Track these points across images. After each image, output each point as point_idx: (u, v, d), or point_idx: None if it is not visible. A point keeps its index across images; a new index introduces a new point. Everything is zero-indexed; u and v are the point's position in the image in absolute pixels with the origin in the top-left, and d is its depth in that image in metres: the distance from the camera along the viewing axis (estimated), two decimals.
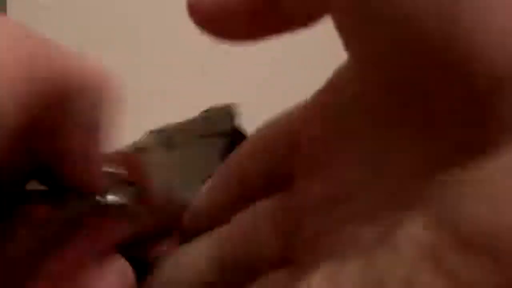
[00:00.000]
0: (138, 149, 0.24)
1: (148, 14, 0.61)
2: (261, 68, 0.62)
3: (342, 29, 0.16)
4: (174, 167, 0.23)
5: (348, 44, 0.16)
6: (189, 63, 0.60)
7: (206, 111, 0.26)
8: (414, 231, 0.13)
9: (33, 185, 0.18)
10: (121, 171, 0.20)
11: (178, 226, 0.22)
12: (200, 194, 0.22)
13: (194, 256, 0.21)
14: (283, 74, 0.62)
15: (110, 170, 0.20)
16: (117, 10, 0.61)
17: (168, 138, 0.25)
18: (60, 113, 0.16)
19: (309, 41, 0.63)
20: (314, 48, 0.63)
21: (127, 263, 0.19)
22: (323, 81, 0.21)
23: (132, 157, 0.22)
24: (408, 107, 0.15)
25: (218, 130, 0.25)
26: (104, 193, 0.19)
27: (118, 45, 0.60)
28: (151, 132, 0.25)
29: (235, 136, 0.25)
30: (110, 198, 0.19)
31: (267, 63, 0.62)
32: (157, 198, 0.21)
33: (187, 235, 0.22)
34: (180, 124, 0.26)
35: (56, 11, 0.59)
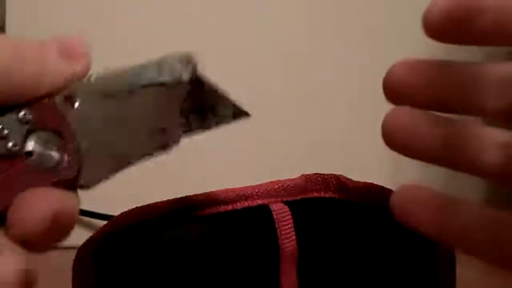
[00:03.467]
0: (65, 98, 0.22)
1: (147, 12, 0.61)
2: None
3: None
4: (109, 119, 0.23)
5: None
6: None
7: (161, 58, 0.24)
8: None
9: None
10: (35, 116, 0.21)
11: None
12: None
13: None
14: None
15: (20, 115, 0.21)
16: (116, 11, 0.61)
17: (106, 85, 0.23)
18: None
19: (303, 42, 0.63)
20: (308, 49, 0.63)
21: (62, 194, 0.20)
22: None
23: (48, 103, 0.22)
24: None
25: (174, 78, 0.24)
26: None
27: (118, 44, 0.60)
28: (88, 77, 0.24)
29: (196, 86, 0.24)
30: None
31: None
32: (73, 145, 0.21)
33: None
34: (124, 70, 0.24)
35: (55, 14, 0.59)
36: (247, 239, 0.28)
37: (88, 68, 0.23)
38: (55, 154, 0.21)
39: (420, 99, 0.23)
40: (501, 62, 0.22)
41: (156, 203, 0.28)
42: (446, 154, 0.23)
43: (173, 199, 0.28)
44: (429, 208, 0.23)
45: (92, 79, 0.23)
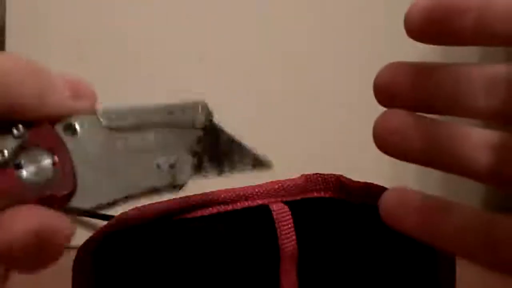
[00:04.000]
0: (66, 126, 0.22)
1: (147, 12, 0.61)
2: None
3: None
4: (112, 149, 0.23)
5: None
6: (188, 51, 0.60)
7: (174, 103, 0.24)
8: None
9: None
10: (31, 134, 0.21)
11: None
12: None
13: None
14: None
15: (15, 130, 0.21)
16: (116, 11, 0.61)
17: (113, 120, 0.23)
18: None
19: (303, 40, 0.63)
20: (308, 48, 0.63)
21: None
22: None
23: (46, 126, 0.22)
24: None
25: (188, 122, 0.24)
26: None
27: (118, 44, 0.60)
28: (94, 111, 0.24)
29: (210, 131, 0.24)
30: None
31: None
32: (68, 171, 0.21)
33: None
34: (133, 108, 0.24)
35: (55, 14, 0.59)
36: (247, 239, 0.28)
37: (93, 108, 0.23)
38: (47, 171, 0.21)
39: (409, 101, 0.23)
40: (487, 63, 0.22)
41: (156, 203, 0.28)
42: (436, 156, 0.23)
43: (173, 199, 0.28)
44: (418, 211, 0.23)
45: (98, 113, 0.23)
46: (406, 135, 0.23)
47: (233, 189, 0.29)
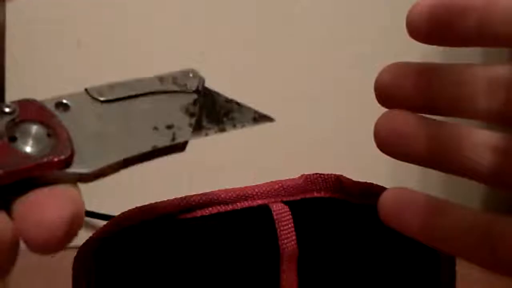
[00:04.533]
0: (56, 104, 0.22)
1: (147, 12, 0.61)
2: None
3: None
4: (106, 119, 0.22)
5: None
6: (189, 46, 0.60)
7: (165, 73, 0.24)
8: None
9: None
10: (22, 110, 0.21)
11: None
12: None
13: None
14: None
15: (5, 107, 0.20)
16: (116, 11, 0.61)
17: (103, 94, 0.23)
18: None
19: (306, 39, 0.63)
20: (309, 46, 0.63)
21: None
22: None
23: (35, 102, 0.22)
24: None
25: (180, 87, 0.23)
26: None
27: (118, 44, 0.60)
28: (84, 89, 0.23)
29: (205, 94, 0.24)
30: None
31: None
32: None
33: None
34: (122, 82, 0.24)
35: (55, 15, 0.59)
36: (247, 239, 0.28)
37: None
38: (43, 140, 0.20)
39: (410, 102, 0.23)
40: (490, 64, 0.22)
41: (156, 203, 0.28)
42: (438, 158, 0.23)
43: (173, 199, 0.28)
44: (417, 211, 0.23)
45: (89, 89, 0.23)
46: (408, 136, 0.23)
47: (233, 189, 0.29)
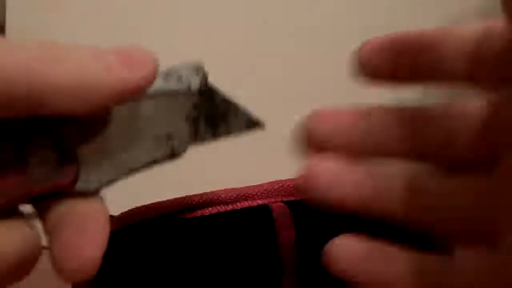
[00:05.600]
0: None
1: (147, 12, 0.61)
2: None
3: None
4: (111, 127, 0.21)
5: None
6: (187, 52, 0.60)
7: (168, 67, 0.23)
8: None
9: None
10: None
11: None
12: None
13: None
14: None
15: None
16: (115, 11, 0.61)
17: None
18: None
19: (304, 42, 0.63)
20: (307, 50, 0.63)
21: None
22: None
23: None
24: None
25: (182, 88, 0.23)
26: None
27: (117, 37, 0.60)
28: None
29: (205, 93, 0.23)
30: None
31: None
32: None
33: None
34: None
35: (55, 14, 0.59)
36: (247, 239, 0.28)
37: (154, 76, 0.19)
38: (51, 159, 0.20)
39: (343, 149, 0.22)
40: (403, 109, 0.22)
41: (156, 203, 0.28)
42: (362, 202, 0.22)
43: (173, 199, 0.28)
44: (363, 261, 0.22)
45: None
46: (332, 184, 0.22)
47: (233, 189, 0.29)
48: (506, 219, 0.19)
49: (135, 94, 0.19)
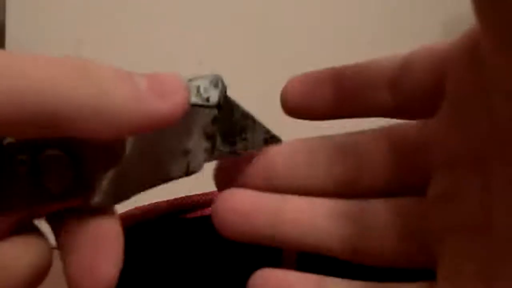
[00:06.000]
0: None
1: (147, 12, 0.61)
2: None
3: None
4: (129, 142, 0.20)
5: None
6: (187, 55, 0.60)
7: (188, 80, 0.22)
8: None
9: None
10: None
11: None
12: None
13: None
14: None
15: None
16: (115, 11, 0.61)
17: None
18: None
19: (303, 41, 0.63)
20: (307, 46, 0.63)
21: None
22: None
23: None
24: None
25: (201, 101, 0.22)
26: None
27: (118, 44, 0.60)
28: None
29: (224, 110, 0.23)
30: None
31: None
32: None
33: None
34: None
35: (55, 15, 0.59)
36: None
37: (185, 107, 0.18)
38: (66, 176, 0.20)
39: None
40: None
41: (156, 203, 0.28)
42: (277, 233, 0.22)
43: (173, 199, 0.28)
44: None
45: None
46: (248, 214, 0.22)
47: None
48: (442, 243, 0.19)
49: (163, 124, 0.18)
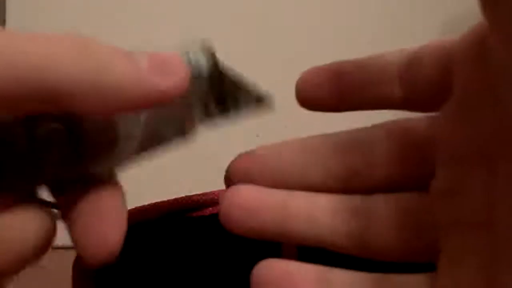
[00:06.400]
0: None
1: (147, 13, 0.61)
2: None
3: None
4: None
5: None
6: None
7: (178, 49, 0.22)
8: None
9: None
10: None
11: None
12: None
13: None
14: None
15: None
16: (116, 10, 0.61)
17: None
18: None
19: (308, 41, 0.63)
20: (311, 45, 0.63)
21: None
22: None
23: None
24: None
25: (194, 73, 0.22)
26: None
27: (118, 39, 0.60)
28: None
29: (216, 77, 0.23)
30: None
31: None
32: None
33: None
34: None
35: (55, 15, 0.59)
36: (247, 239, 0.28)
37: (185, 85, 0.19)
38: (62, 144, 0.20)
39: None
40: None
41: (156, 203, 0.28)
42: (284, 228, 0.22)
43: (173, 199, 0.28)
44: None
45: None
46: (254, 210, 0.22)
47: None
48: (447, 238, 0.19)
49: (162, 101, 0.18)
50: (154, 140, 0.22)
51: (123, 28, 0.60)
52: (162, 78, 0.18)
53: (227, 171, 0.23)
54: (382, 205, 0.21)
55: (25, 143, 0.19)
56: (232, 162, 0.23)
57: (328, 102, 0.22)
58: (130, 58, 0.18)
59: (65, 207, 0.19)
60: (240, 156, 0.23)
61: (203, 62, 0.22)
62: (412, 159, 0.21)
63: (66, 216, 0.19)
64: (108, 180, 0.20)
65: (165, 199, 0.28)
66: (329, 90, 0.22)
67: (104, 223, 0.19)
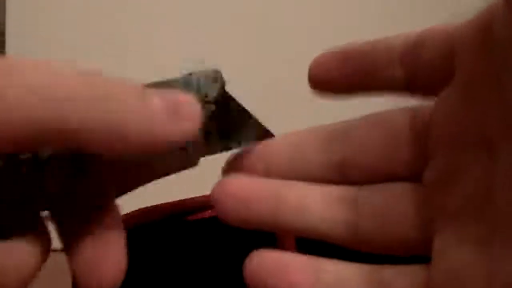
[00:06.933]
0: None
1: (147, 12, 0.61)
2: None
3: None
4: None
5: None
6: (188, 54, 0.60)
7: (189, 74, 0.22)
8: None
9: None
10: None
11: None
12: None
13: None
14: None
15: None
16: (115, 12, 0.61)
17: None
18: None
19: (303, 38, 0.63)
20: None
21: None
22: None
23: None
24: None
25: (202, 97, 0.22)
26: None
27: (118, 44, 0.60)
28: None
29: (222, 106, 0.23)
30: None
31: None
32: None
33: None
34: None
35: (55, 16, 0.59)
36: (247, 241, 0.28)
37: (195, 131, 0.18)
38: (67, 172, 0.20)
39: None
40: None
41: (157, 205, 0.28)
42: (278, 218, 0.22)
43: (174, 202, 0.28)
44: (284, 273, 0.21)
45: None
46: (247, 200, 0.21)
47: None
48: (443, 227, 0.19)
49: (170, 146, 0.18)
50: (154, 170, 0.22)
51: (123, 28, 0.60)
52: (174, 124, 0.17)
53: (223, 166, 0.23)
54: (375, 195, 0.21)
55: (28, 169, 0.19)
56: (227, 160, 0.23)
57: (338, 85, 0.22)
58: (145, 99, 0.17)
59: (64, 235, 0.19)
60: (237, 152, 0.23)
61: (211, 88, 0.22)
62: (404, 150, 0.21)
63: (65, 244, 0.19)
64: (108, 209, 0.20)
65: (165, 201, 0.29)
66: (340, 73, 0.22)
67: (103, 256, 0.19)
